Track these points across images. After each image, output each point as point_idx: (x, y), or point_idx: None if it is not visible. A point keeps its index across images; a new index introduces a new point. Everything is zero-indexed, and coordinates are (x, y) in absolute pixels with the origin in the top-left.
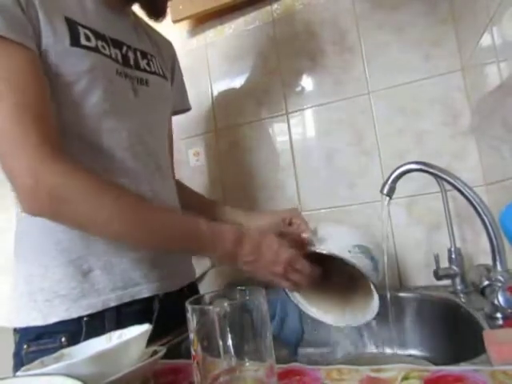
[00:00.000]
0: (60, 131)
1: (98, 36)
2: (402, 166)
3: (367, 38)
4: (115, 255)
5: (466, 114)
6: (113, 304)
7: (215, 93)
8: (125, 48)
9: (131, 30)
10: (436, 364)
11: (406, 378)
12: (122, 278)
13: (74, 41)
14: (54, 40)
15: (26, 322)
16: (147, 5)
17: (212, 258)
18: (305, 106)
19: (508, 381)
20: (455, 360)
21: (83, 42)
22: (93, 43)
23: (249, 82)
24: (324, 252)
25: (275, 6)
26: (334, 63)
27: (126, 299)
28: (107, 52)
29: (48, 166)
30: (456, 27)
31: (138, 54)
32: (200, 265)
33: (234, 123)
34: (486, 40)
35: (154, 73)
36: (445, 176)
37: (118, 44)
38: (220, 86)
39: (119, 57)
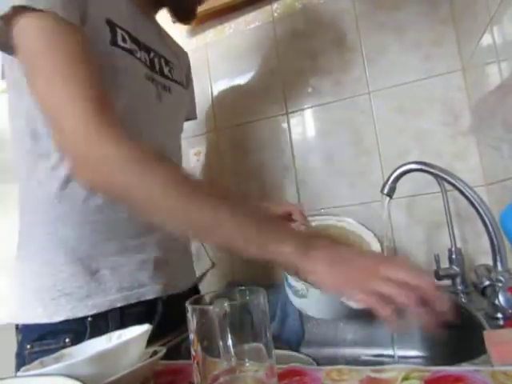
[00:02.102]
0: None
1: (132, 39)
2: (402, 165)
3: (367, 38)
4: (123, 255)
5: (467, 114)
6: (119, 304)
7: (215, 93)
8: (152, 53)
9: (157, 36)
10: (436, 364)
11: (406, 378)
12: (129, 279)
13: (113, 40)
14: (97, 36)
15: (31, 318)
16: (176, 8)
17: (270, 255)
18: (305, 106)
19: (508, 381)
20: (456, 360)
21: (120, 42)
22: (128, 45)
23: (249, 81)
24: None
25: (275, 5)
26: (334, 63)
27: (132, 300)
28: (138, 55)
29: (104, 132)
30: (456, 27)
31: (163, 60)
32: (200, 265)
33: (234, 123)
34: (486, 40)
35: (175, 81)
36: (445, 176)
37: (146, 48)
38: (220, 86)
39: (148, 61)
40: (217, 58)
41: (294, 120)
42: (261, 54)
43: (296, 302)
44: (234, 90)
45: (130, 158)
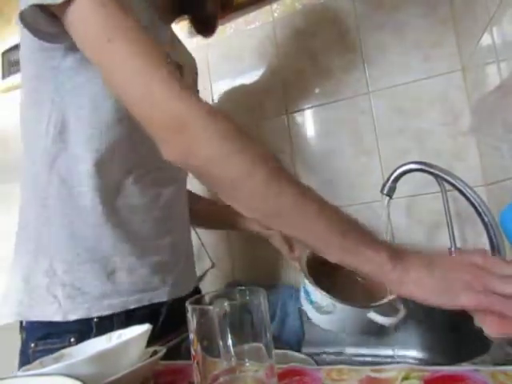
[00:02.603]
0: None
1: None
2: (402, 165)
3: (367, 38)
4: (137, 257)
5: (466, 113)
6: (132, 306)
7: (215, 93)
8: (168, 59)
9: (171, 41)
10: (436, 364)
11: (406, 378)
12: (143, 281)
13: None
14: None
15: (44, 316)
16: (199, 21)
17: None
18: (305, 106)
19: (508, 381)
20: (456, 360)
21: None
22: None
23: (249, 82)
24: None
25: (275, 5)
26: (334, 63)
27: (145, 302)
28: None
29: (197, 109)
30: (456, 27)
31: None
32: (200, 265)
33: None
34: (485, 40)
35: None
36: (445, 176)
37: None
38: (220, 86)
39: None
40: (217, 57)
41: (294, 120)
42: (261, 54)
43: (316, 317)
44: (234, 90)
45: (226, 131)
